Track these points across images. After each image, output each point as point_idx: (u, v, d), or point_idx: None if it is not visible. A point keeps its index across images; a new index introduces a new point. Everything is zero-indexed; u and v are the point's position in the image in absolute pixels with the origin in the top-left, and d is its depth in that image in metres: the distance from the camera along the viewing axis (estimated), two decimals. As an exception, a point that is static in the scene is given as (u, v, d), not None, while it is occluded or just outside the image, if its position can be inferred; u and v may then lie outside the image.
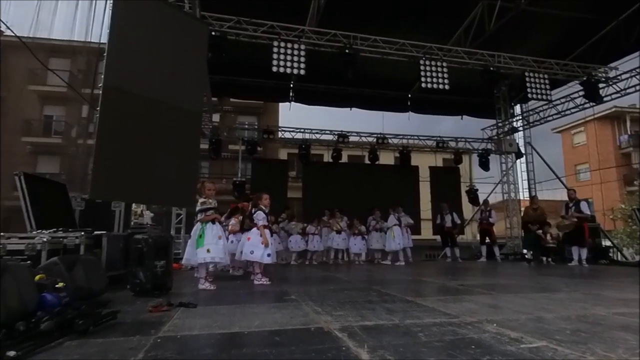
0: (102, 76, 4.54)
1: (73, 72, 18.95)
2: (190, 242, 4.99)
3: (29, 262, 3.68)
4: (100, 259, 4.69)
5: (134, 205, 8.50)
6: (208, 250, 4.81)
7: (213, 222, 5.01)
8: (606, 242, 11.60)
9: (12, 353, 1.92)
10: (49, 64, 16.35)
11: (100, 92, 4.47)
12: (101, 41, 8.40)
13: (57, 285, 2.87)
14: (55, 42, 19.34)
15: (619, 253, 12.23)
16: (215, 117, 18.83)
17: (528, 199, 13.59)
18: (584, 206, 8.80)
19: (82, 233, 4.54)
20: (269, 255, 5.39)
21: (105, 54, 4.56)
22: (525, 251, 10.74)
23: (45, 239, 4.13)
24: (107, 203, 6.53)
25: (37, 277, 2.81)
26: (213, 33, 7.96)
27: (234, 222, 6.70)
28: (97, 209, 6.46)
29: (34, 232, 4.53)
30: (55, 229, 4.55)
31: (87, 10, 21.04)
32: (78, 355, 2.06)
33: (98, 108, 4.47)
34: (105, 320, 2.68)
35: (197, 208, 5.03)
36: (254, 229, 5.55)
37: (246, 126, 19.61)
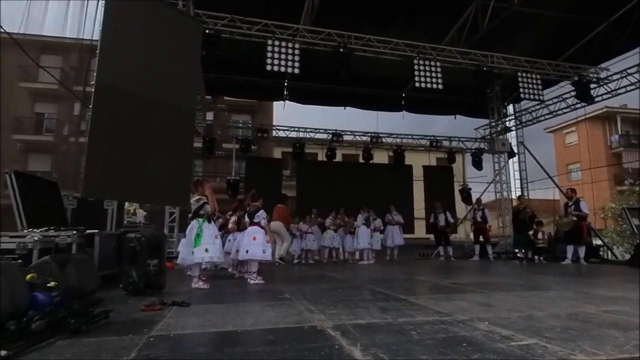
0: (95, 73, 4.49)
1: (65, 69, 18.76)
2: (186, 241, 4.94)
3: (20, 261, 3.65)
4: (93, 258, 4.67)
5: (126, 204, 8.44)
6: (206, 250, 4.81)
7: (209, 220, 5.04)
8: (597, 241, 11.73)
9: (3, 353, 1.91)
10: (40, 61, 16.14)
11: (93, 89, 4.43)
12: (93, 38, 8.33)
13: (48, 285, 2.85)
14: (46, 39, 19.14)
15: (609, 252, 12.37)
16: (209, 116, 18.74)
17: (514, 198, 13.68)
18: (583, 205, 8.88)
19: (74, 232, 4.51)
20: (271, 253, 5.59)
21: (97, 51, 4.52)
22: (516, 250, 10.84)
23: (36, 238, 4.09)
24: (100, 202, 6.48)
25: (28, 276, 2.79)
26: (207, 31, 7.91)
27: (233, 220, 6.68)
28: (89, 207, 6.40)
29: (25, 231, 4.48)
30: (46, 228, 4.51)
31: (79, 6, 20.80)
32: (70, 355, 2.05)
33: (90, 106, 4.42)
34: (98, 319, 2.67)
35: (195, 205, 5.02)
36: (257, 228, 5.55)
37: (240, 125, 19.52)
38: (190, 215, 5.07)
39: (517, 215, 10.45)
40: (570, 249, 8.79)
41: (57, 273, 3.10)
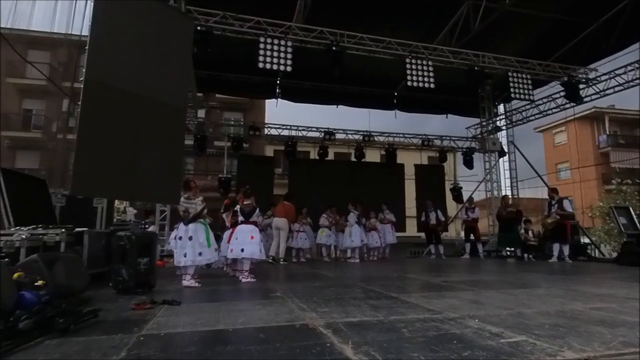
0: (84, 70, 4.43)
1: (53, 65, 18.47)
2: (192, 243, 4.86)
3: (7, 259, 3.59)
4: (82, 257, 4.61)
5: (116, 202, 8.36)
6: (216, 249, 5.13)
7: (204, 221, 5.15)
8: (585, 239, 11.89)
9: (-11, 353, 1.88)
10: (28, 56, 15.92)
11: (82, 85, 4.37)
12: (83, 33, 8.21)
13: (36, 283, 2.82)
14: (34, 34, 18.85)
15: (596, 250, 12.55)
16: (201, 113, 18.60)
17: (509, 197, 13.81)
18: (566, 204, 9.01)
19: (63, 230, 4.46)
20: None
21: (87, 47, 4.46)
22: (500, 249, 10.97)
23: (24, 236, 4.04)
24: (89, 199, 6.41)
25: (15, 275, 2.75)
26: (198, 28, 7.84)
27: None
28: (78, 205, 6.33)
29: (12, 229, 4.41)
30: (34, 226, 4.45)
31: (68, 2, 20.47)
32: (58, 355, 2.03)
33: (79, 102, 4.36)
34: (87, 318, 2.64)
35: (200, 206, 5.07)
36: (254, 227, 5.56)
37: (232, 122, 19.43)
38: (189, 216, 5.01)
39: (503, 215, 10.55)
40: (556, 247, 8.91)
41: (45, 272, 3.06)
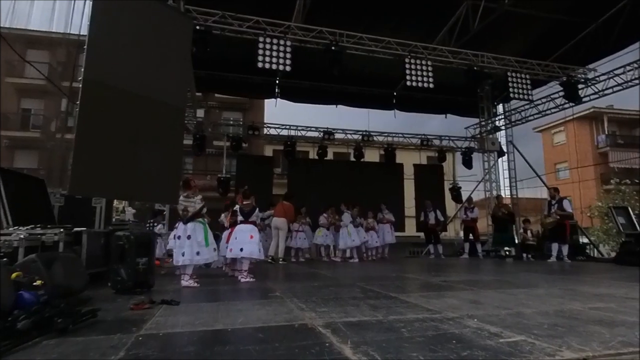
0: (82, 69, 4.42)
1: (52, 64, 18.44)
2: (190, 242, 4.86)
3: (5, 259, 3.59)
4: (80, 256, 4.60)
5: (115, 202, 8.34)
6: (214, 249, 5.11)
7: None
8: (583, 239, 11.91)
9: (-13, 353, 1.87)
10: (27, 56, 15.88)
11: (80, 85, 4.36)
12: (81, 33, 8.20)
13: (34, 283, 2.81)
14: (33, 33, 18.84)
15: (595, 250, 12.58)
16: (200, 113, 18.61)
17: (509, 196, 13.86)
18: (566, 204, 9.03)
19: (61, 230, 4.45)
20: None
21: (85, 47, 4.45)
22: (506, 249, 10.97)
23: (22, 236, 4.03)
24: (88, 199, 6.39)
25: (13, 275, 2.74)
26: (197, 27, 7.83)
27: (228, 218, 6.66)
28: (77, 205, 6.32)
29: (11, 229, 4.41)
30: (33, 226, 4.44)
31: (67, 0, 20.47)
32: (56, 355, 2.02)
33: (78, 102, 4.36)
34: (85, 318, 2.64)
35: (199, 205, 5.06)
36: (254, 227, 5.56)
37: (231, 122, 19.42)
38: (188, 215, 5.00)
39: (498, 215, 10.59)
40: (555, 247, 8.92)
41: (43, 271, 3.06)
